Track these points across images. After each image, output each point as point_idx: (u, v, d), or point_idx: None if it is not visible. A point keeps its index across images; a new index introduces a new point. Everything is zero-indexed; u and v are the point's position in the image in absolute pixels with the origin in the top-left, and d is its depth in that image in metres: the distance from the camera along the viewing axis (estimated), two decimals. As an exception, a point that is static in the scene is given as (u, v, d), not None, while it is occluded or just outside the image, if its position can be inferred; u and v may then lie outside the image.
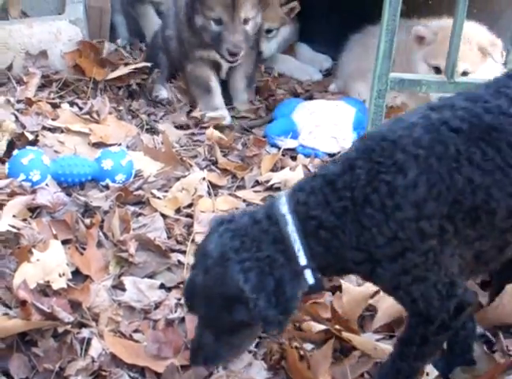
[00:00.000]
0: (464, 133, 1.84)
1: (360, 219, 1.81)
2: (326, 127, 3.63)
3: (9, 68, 3.87)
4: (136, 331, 2.37)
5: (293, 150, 3.56)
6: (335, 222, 1.83)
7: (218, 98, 3.93)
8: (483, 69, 3.78)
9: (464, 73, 3.75)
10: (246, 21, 3.76)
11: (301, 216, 1.86)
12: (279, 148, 3.51)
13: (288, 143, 3.58)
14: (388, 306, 2.35)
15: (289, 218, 1.86)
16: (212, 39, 3.77)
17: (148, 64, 4.02)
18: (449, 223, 1.81)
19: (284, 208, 1.88)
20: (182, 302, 2.32)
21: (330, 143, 3.59)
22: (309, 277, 1.88)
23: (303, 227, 1.85)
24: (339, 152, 3.45)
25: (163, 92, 4.00)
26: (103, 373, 2.21)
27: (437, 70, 3.74)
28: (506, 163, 1.84)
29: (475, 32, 3.78)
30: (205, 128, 3.68)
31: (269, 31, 4.29)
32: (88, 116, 3.55)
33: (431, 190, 1.79)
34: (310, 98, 4.09)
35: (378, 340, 2.33)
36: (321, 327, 2.36)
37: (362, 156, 1.85)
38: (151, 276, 2.60)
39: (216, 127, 3.68)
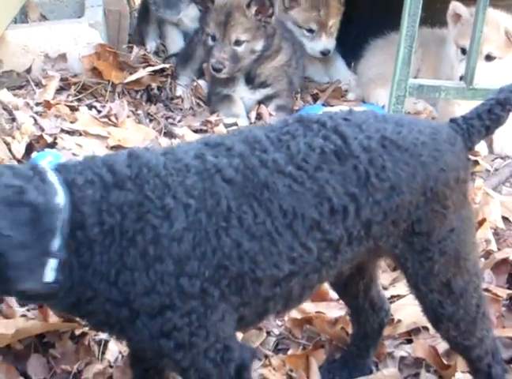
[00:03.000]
0: (238, 185, 1.64)
1: (123, 254, 1.57)
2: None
3: (28, 71, 3.89)
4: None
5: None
6: (98, 235, 1.57)
7: (239, 106, 3.95)
8: (510, 57, 3.74)
9: (488, 57, 3.72)
10: (237, 43, 3.90)
11: (75, 201, 1.57)
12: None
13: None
14: (408, 315, 2.35)
15: (60, 190, 1.56)
16: (206, 52, 3.98)
17: (167, 65, 4.09)
18: (213, 286, 1.61)
19: (52, 177, 1.58)
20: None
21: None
22: (50, 270, 1.55)
23: (70, 216, 1.55)
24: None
25: (180, 90, 4.09)
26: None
27: (463, 52, 3.69)
28: (275, 229, 1.64)
29: (503, 19, 3.76)
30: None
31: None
32: (106, 119, 3.56)
33: (195, 249, 1.59)
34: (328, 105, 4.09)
35: (396, 346, 2.34)
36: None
37: (134, 180, 1.61)
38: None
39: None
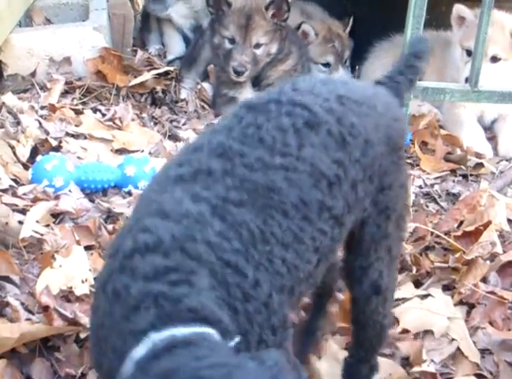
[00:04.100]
0: (249, 202, 1.54)
1: (229, 303, 1.47)
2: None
3: (33, 74, 3.88)
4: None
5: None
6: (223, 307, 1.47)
7: None
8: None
9: (494, 59, 3.71)
10: (257, 46, 3.93)
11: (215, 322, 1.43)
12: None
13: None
14: (412, 319, 2.35)
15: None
16: (223, 56, 3.95)
17: (171, 68, 4.10)
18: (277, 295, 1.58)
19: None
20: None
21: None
22: None
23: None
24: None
25: (184, 93, 4.09)
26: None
27: (469, 54, 3.69)
28: (297, 227, 1.59)
29: (508, 20, 3.75)
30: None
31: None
32: (111, 122, 3.56)
33: (265, 289, 1.53)
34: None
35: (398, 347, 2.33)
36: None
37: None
38: (173, 283, 2.60)
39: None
